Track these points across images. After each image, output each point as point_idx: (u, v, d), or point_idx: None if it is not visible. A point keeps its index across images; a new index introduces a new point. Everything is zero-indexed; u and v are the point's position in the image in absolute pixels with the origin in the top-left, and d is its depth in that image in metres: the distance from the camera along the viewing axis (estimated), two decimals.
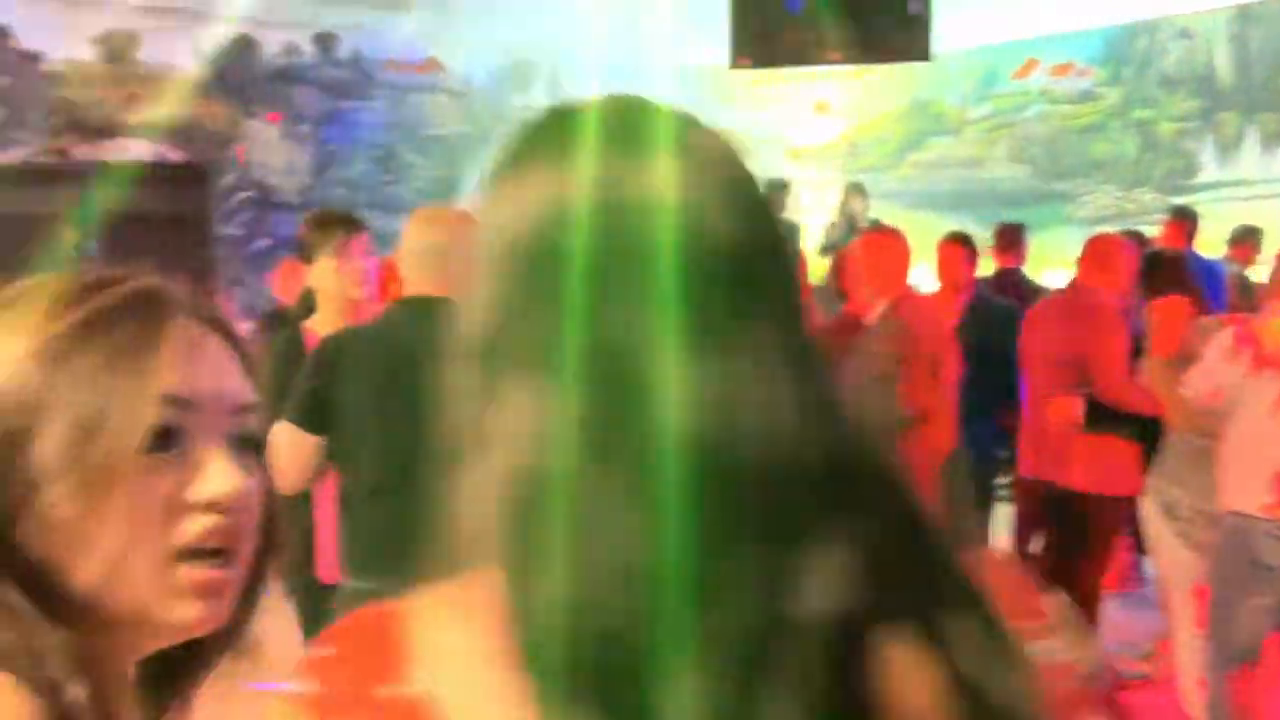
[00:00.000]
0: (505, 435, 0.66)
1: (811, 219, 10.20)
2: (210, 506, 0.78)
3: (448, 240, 2.59)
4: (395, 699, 0.64)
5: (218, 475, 0.78)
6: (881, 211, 10.78)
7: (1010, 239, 6.21)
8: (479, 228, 0.74)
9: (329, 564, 2.93)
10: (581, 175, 0.70)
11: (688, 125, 0.73)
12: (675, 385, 0.63)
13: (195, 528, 0.78)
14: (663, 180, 0.69)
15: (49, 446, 0.74)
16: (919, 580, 0.64)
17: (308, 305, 3.49)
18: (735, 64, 7.17)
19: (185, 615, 0.78)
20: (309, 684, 0.67)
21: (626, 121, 0.73)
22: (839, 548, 0.62)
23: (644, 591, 0.60)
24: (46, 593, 0.75)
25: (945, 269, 5.50)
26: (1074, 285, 4.75)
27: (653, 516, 0.61)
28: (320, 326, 3.18)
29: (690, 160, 0.70)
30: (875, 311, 4.08)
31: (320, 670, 0.68)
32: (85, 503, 0.75)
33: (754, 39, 7.04)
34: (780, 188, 9.42)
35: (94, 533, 0.75)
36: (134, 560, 0.76)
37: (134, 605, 0.78)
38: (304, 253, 3.30)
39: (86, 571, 0.76)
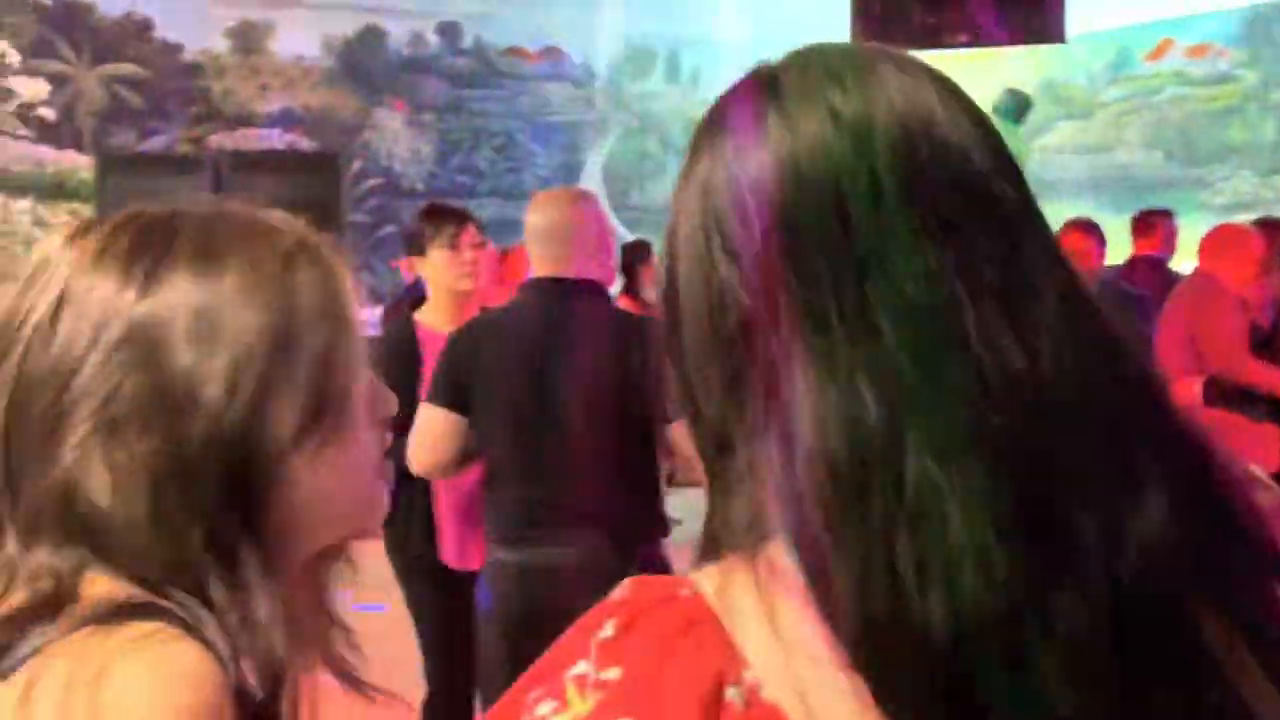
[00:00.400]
0: (807, 413, 0.59)
1: None
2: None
3: (570, 221, 2.62)
4: (724, 695, 0.57)
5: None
6: None
7: (1150, 225, 6.06)
8: (720, 189, 0.66)
9: (450, 549, 3.02)
10: (860, 106, 0.64)
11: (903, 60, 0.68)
12: (991, 338, 0.60)
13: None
14: (942, 109, 0.64)
15: (287, 407, 0.77)
16: (1227, 531, 0.61)
17: (419, 296, 3.52)
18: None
19: (377, 522, 0.85)
20: (608, 670, 0.59)
21: (859, 58, 0.68)
22: (1162, 503, 0.59)
23: (992, 575, 0.56)
24: (278, 560, 0.77)
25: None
26: (1195, 272, 4.82)
27: (988, 487, 0.57)
28: (430, 317, 3.22)
29: (943, 87, 0.66)
30: None
31: (621, 654, 0.59)
32: (333, 454, 0.79)
33: (880, 19, 6.96)
34: None
35: (343, 474, 0.79)
36: (373, 493, 0.83)
37: (350, 533, 0.84)
38: (415, 245, 3.31)
39: (327, 524, 0.81)
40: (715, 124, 0.72)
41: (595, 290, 2.65)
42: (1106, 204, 10.67)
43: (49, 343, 0.75)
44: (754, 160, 0.65)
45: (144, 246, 0.77)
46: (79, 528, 0.73)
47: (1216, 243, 4.72)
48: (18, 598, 0.73)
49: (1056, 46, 10.05)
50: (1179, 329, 4.61)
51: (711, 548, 0.64)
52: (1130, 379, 0.63)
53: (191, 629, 0.70)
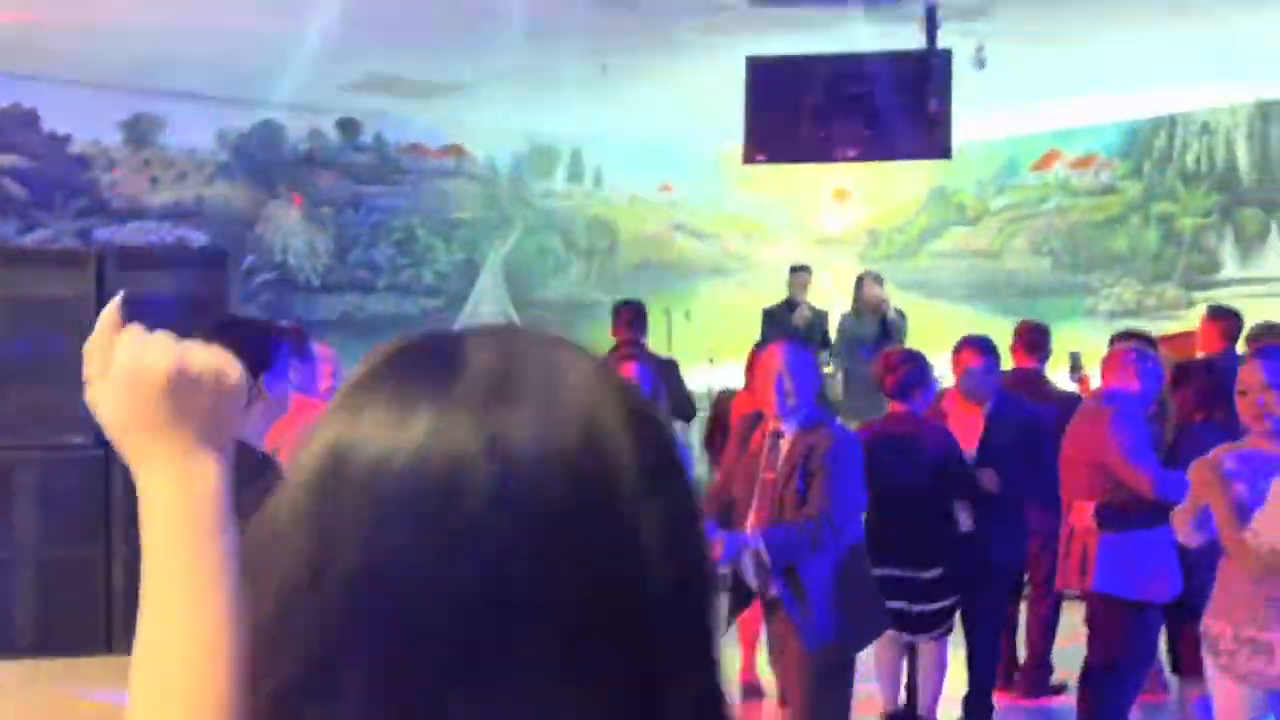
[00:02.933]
0: None
1: (835, 306, 10.21)
2: None
3: None
4: None
5: None
6: (901, 301, 10.83)
7: (1031, 339, 6.06)
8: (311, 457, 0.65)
9: None
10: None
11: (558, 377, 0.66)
12: None
13: None
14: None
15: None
16: None
17: None
18: (749, 159, 7.15)
19: None
20: None
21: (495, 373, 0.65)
22: None
23: None
24: None
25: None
26: (1095, 392, 4.91)
27: None
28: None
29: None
30: None
31: None
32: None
33: (769, 134, 7.05)
34: (801, 270, 9.43)
35: None
36: None
37: None
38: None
39: None
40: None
41: None
42: (996, 309, 10.93)
43: None
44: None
45: None
46: None
47: (1113, 364, 4.70)
48: None
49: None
50: (1081, 451, 4.57)
51: None
52: None
53: None
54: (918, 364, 4.98)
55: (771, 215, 12.09)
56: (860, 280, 9.17)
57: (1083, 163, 10.87)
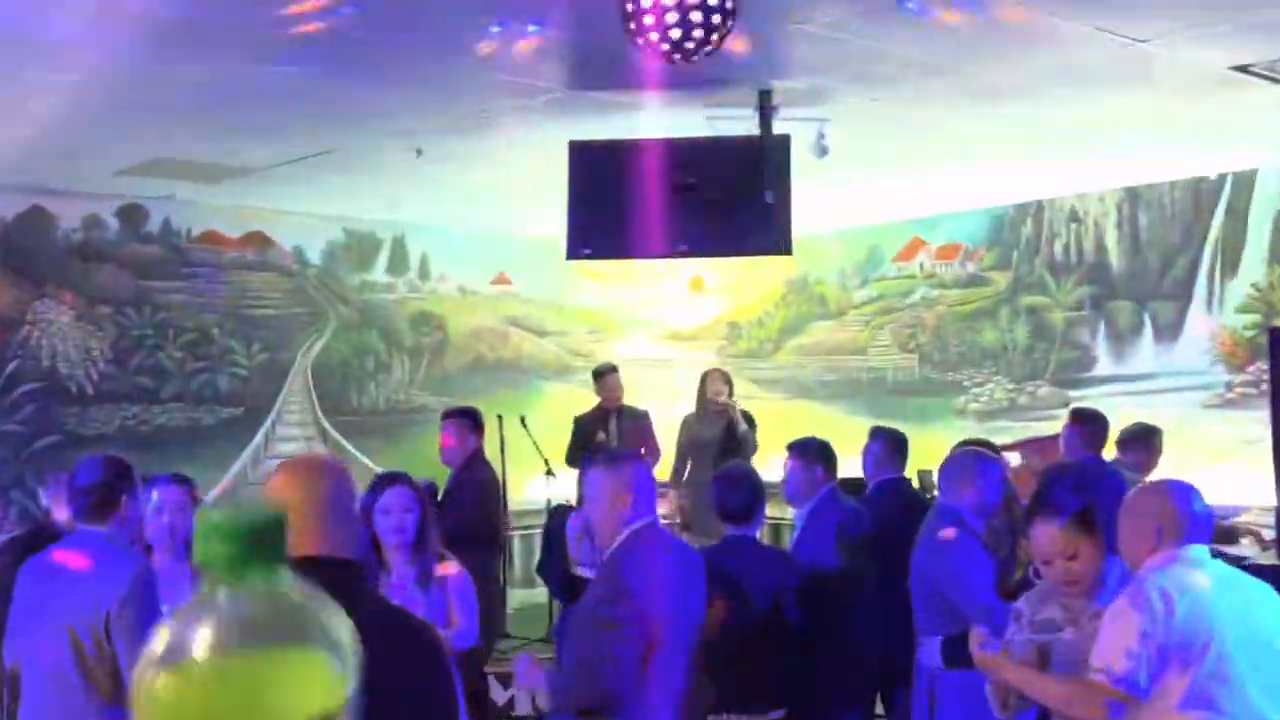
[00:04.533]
0: None
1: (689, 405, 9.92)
2: None
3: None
4: None
5: None
6: (762, 402, 10.42)
7: (892, 445, 5.94)
8: None
9: None
10: None
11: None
12: None
13: None
14: None
15: None
16: None
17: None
18: (574, 254, 6.79)
19: None
20: None
21: None
22: None
23: None
24: None
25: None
26: (935, 508, 4.73)
27: None
28: None
29: None
30: None
31: None
32: None
33: (594, 225, 6.63)
34: (608, 371, 9.07)
35: None
36: None
37: None
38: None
39: None
40: None
41: None
42: (860, 408, 10.65)
43: None
44: None
45: None
46: None
47: (952, 473, 4.70)
48: None
49: (812, 241, 10.11)
50: (920, 578, 4.56)
51: None
52: None
53: None
54: (751, 482, 4.78)
55: (620, 309, 11.80)
56: (704, 378, 8.86)
57: (948, 252, 10.69)
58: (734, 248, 6.92)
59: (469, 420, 6.94)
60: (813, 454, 5.29)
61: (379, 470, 5.62)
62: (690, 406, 8.98)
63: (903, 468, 5.90)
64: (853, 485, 5.79)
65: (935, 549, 4.48)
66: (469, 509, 6.58)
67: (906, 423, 9.79)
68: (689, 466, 8.63)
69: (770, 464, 8.34)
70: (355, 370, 10.41)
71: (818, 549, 5.05)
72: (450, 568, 4.37)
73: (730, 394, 8.68)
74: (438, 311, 10.90)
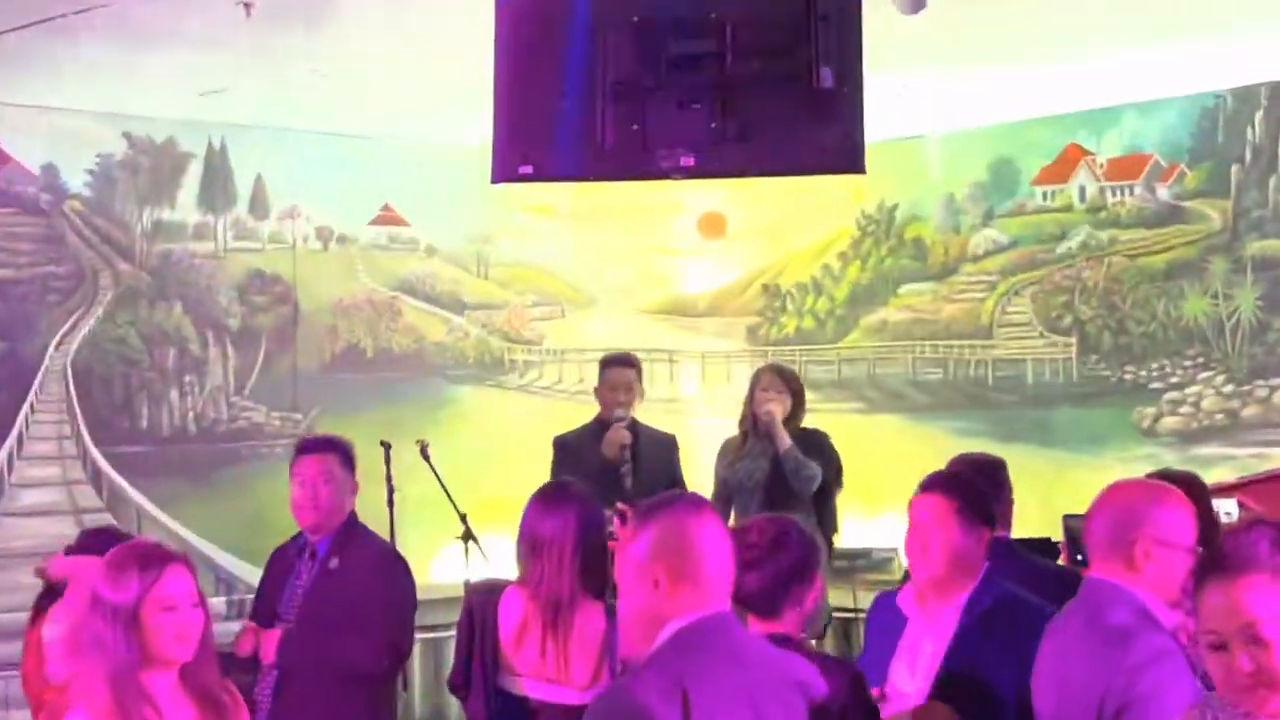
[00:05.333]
0: None
1: (708, 421, 10.24)
2: None
3: None
4: None
5: None
6: (819, 415, 10.12)
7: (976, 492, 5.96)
8: None
9: None
10: None
11: None
12: None
13: None
14: None
15: None
16: None
17: None
18: (505, 174, 6.69)
19: None
20: None
21: None
22: None
23: None
24: None
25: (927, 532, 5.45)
26: (1096, 588, 4.84)
27: None
28: None
29: None
30: None
31: None
32: None
33: (539, 130, 6.54)
34: (618, 365, 9.11)
35: None
36: None
37: None
38: None
39: None
40: None
41: None
42: (982, 425, 11.05)
43: None
44: None
45: None
46: None
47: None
48: None
49: (899, 152, 9.96)
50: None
51: None
52: None
53: None
54: (801, 548, 4.90)
55: (586, 265, 11.81)
56: (754, 382, 8.96)
57: (1125, 168, 10.80)
58: (771, 162, 6.81)
59: (338, 456, 6.90)
60: (969, 499, 5.42)
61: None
62: (706, 420, 9.02)
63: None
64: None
65: (1110, 660, 4.48)
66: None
67: (1057, 448, 10.50)
68: (732, 516, 8.67)
69: (840, 522, 8.99)
70: (144, 369, 10.42)
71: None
72: None
73: (792, 404, 8.83)
74: (283, 271, 10.93)
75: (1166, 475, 5.75)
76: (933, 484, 5.48)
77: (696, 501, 4.12)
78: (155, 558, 4.43)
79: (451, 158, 10.76)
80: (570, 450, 8.91)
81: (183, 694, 4.36)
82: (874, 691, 4.85)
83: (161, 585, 4.33)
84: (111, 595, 4.15)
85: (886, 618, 5.50)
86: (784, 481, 8.53)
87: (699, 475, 9.04)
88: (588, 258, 11.89)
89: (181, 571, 4.38)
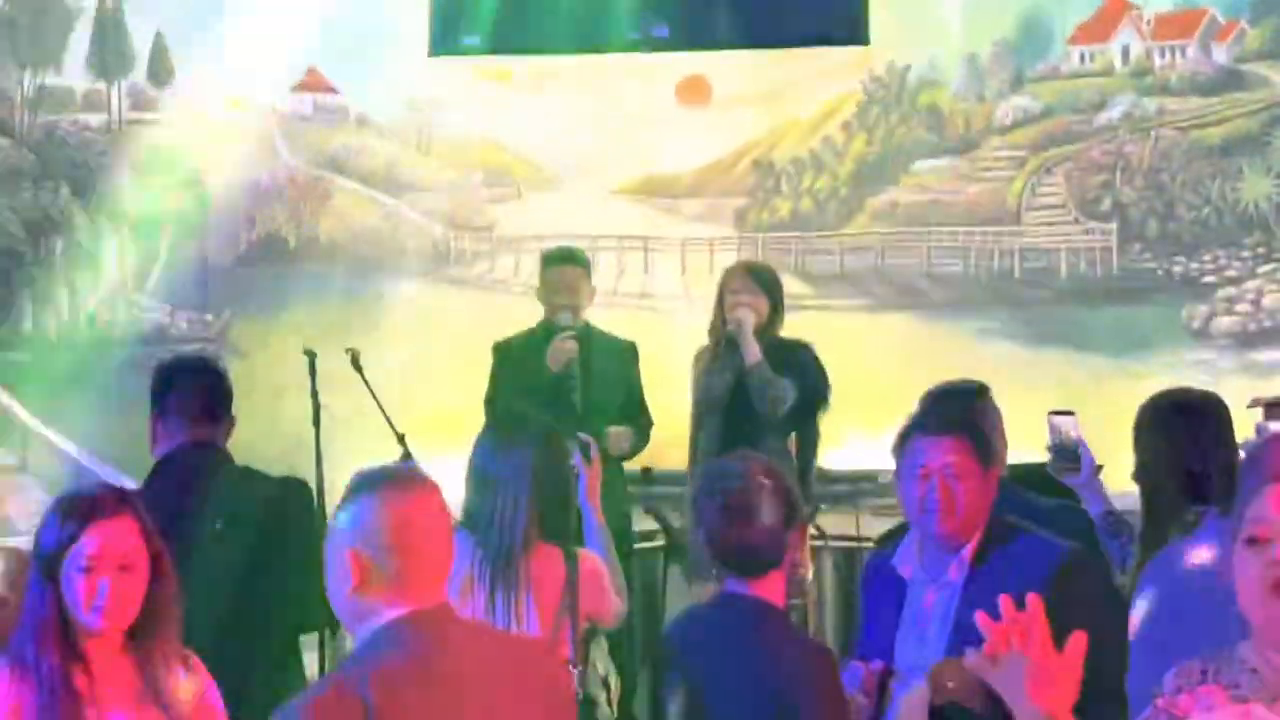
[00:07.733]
0: None
1: (688, 321, 10.13)
2: None
3: None
4: None
5: None
6: (823, 313, 10.77)
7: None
8: None
9: None
10: None
11: None
12: None
13: None
14: None
15: None
16: None
17: None
18: (445, 43, 5.95)
19: None
20: None
21: None
22: None
23: None
24: None
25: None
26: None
27: None
28: None
29: None
30: None
31: None
32: None
33: None
34: (563, 263, 8.97)
35: None
36: None
37: None
38: None
39: None
40: None
41: None
42: (1008, 326, 11.11)
43: None
44: None
45: None
46: None
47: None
48: None
49: (912, 9, 10.52)
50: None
51: None
52: None
53: None
54: (780, 491, 4.91)
55: (544, 140, 11.43)
56: (723, 280, 8.60)
57: (1175, 25, 10.65)
58: (759, 32, 6.27)
59: (212, 386, 6.44)
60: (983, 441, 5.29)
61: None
62: (686, 320, 9.44)
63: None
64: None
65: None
66: None
67: (1093, 352, 10.50)
68: (702, 439, 8.60)
69: (843, 440, 9.15)
70: (27, 262, 10.72)
71: None
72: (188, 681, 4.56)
73: (769, 308, 8.42)
74: (189, 148, 10.80)
75: (1170, 396, 6.03)
76: (947, 423, 5.29)
77: (410, 477, 4.03)
78: (84, 509, 4.38)
79: (388, 12, 10.74)
80: (512, 358, 8.89)
81: (127, 660, 4.37)
82: (879, 666, 5.01)
83: (81, 543, 4.30)
84: (39, 544, 4.19)
85: (882, 584, 5.51)
86: (748, 402, 8.28)
87: (674, 389, 8.82)
88: (548, 129, 11.45)
89: (112, 528, 4.31)
